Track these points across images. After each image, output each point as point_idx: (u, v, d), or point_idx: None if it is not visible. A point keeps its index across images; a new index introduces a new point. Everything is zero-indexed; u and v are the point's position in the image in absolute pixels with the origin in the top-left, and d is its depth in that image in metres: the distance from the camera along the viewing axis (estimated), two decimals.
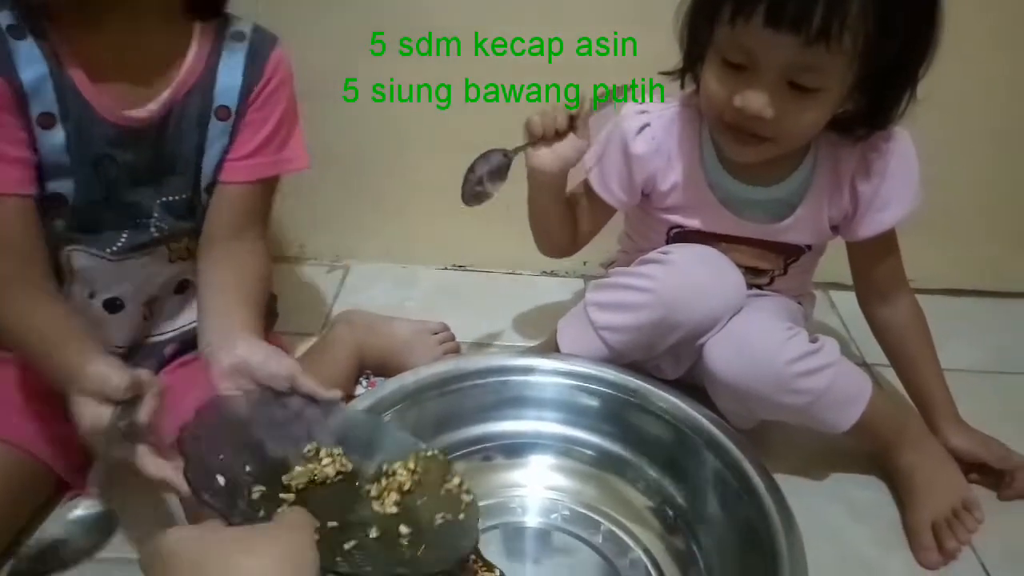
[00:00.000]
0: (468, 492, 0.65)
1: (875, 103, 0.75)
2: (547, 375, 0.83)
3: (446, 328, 1.02)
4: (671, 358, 0.88)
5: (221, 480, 0.56)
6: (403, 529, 0.60)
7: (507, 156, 0.82)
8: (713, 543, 0.73)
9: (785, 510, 0.67)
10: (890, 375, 0.93)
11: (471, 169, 0.81)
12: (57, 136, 0.72)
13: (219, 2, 0.78)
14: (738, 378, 0.79)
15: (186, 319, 0.86)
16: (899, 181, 0.81)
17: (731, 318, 0.81)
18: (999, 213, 1.19)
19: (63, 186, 0.73)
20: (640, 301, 0.82)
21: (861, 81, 0.72)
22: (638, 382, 0.81)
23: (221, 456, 0.58)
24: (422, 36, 1.06)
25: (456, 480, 0.65)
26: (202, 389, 0.79)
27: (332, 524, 0.58)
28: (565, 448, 0.82)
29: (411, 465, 0.65)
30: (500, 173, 0.82)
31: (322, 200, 1.21)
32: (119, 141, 0.74)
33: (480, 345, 1.05)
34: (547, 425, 0.82)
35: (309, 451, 0.65)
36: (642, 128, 0.86)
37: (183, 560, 0.44)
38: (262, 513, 0.56)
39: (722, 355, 0.80)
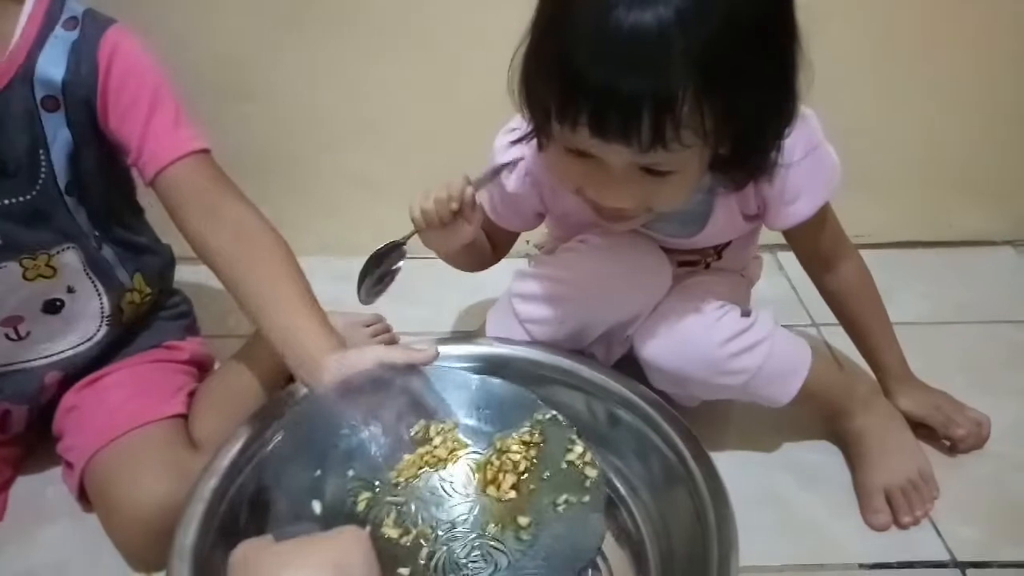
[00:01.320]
0: (593, 465, 0.60)
1: (743, 159, 0.66)
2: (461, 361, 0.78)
3: (380, 319, 0.99)
4: (602, 347, 0.84)
5: (318, 506, 0.56)
6: (521, 520, 0.55)
7: (401, 248, 0.77)
8: (649, 516, 0.70)
9: (713, 476, 0.66)
10: (841, 335, 0.90)
11: (366, 272, 0.77)
12: None
13: None
14: (671, 364, 0.76)
15: (68, 343, 0.79)
16: (804, 173, 0.73)
17: (657, 304, 0.78)
18: (944, 163, 1.17)
19: None
20: (559, 294, 0.78)
21: (724, 143, 0.64)
22: (558, 359, 0.78)
23: (318, 472, 0.56)
24: (343, 24, 1.03)
25: (579, 449, 0.60)
26: (108, 410, 0.76)
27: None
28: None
29: (528, 437, 0.61)
30: (396, 266, 0.78)
31: (255, 195, 1.17)
32: None
33: (417, 335, 1.02)
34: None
35: (417, 432, 0.60)
36: (515, 164, 0.79)
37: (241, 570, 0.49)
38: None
39: (652, 344, 0.77)
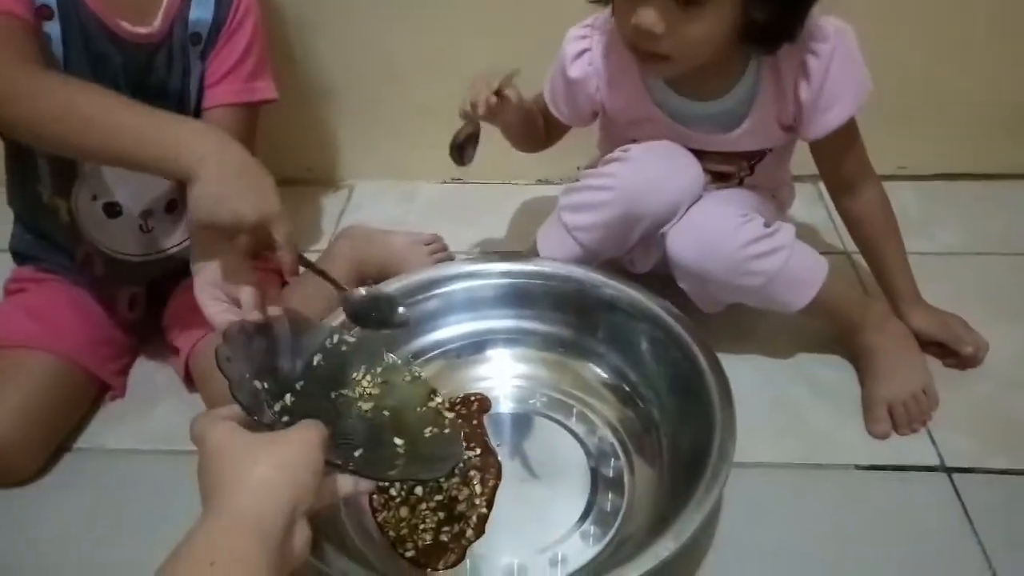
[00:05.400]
0: (450, 410, 0.74)
1: (779, 13, 0.75)
2: (493, 277, 0.91)
3: (438, 239, 1.09)
4: (642, 250, 0.93)
5: (251, 396, 0.62)
6: (397, 440, 0.67)
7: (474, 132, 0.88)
8: (661, 411, 0.81)
9: (719, 371, 0.75)
10: None
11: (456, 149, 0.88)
12: (53, 29, 0.79)
13: None
14: (696, 263, 0.84)
15: (177, 238, 0.94)
16: (840, 81, 0.81)
17: (690, 207, 0.86)
18: (988, 96, 1.18)
19: None
20: (604, 199, 0.87)
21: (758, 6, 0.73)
22: (581, 271, 0.89)
23: (247, 374, 0.64)
24: None
25: (439, 399, 0.73)
26: None
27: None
28: (521, 339, 0.91)
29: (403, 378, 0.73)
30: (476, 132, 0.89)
31: (326, 125, 1.28)
32: (119, 47, 0.82)
33: (471, 253, 1.12)
34: (501, 322, 0.91)
35: (355, 377, 0.71)
36: (580, 53, 0.89)
37: (211, 460, 0.52)
38: (287, 419, 0.62)
39: (681, 241, 0.85)
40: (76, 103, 0.69)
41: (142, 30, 0.84)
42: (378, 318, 0.75)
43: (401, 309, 0.76)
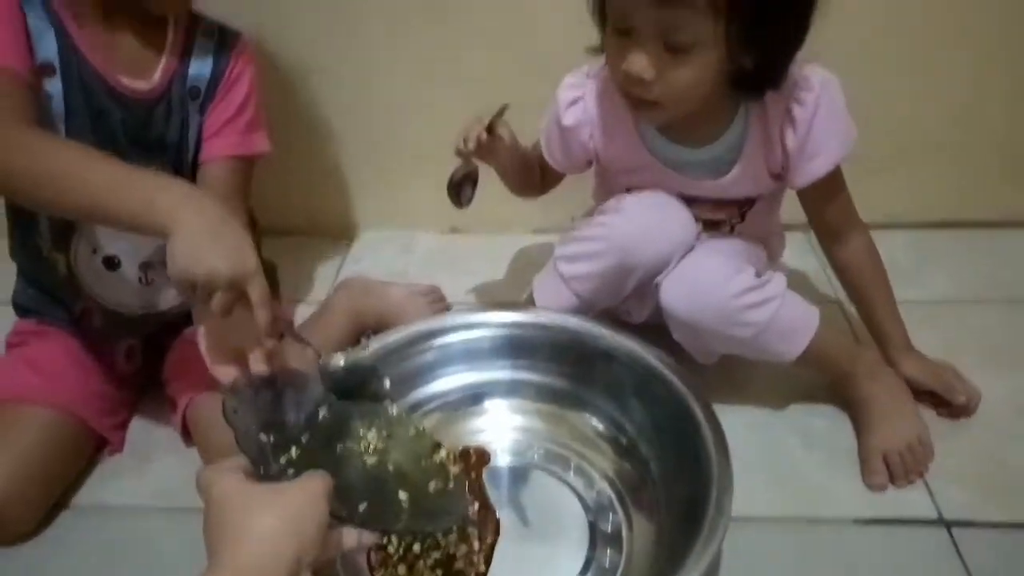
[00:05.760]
0: (455, 464, 0.74)
1: (762, 60, 0.78)
2: (490, 328, 0.92)
3: (436, 290, 1.11)
4: (636, 301, 0.94)
5: (257, 448, 0.63)
6: (401, 494, 0.67)
7: (471, 171, 0.92)
8: (657, 463, 0.81)
9: (715, 423, 0.76)
10: None
11: (452, 191, 0.93)
12: (55, 85, 0.81)
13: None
14: (688, 313, 0.85)
15: (177, 294, 0.94)
16: (825, 130, 0.83)
17: (683, 257, 0.88)
18: (974, 146, 1.21)
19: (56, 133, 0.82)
20: (599, 249, 0.88)
21: (742, 38, 0.75)
22: (577, 321, 0.90)
23: (254, 427, 0.65)
24: (412, 13, 1.14)
25: (443, 453, 0.74)
26: None
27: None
28: (518, 390, 0.92)
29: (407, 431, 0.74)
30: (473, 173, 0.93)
31: (326, 176, 1.30)
32: (119, 102, 0.85)
33: (469, 303, 1.14)
34: (498, 373, 0.92)
35: (360, 431, 0.71)
36: (574, 101, 0.92)
37: (217, 511, 0.53)
38: (292, 472, 0.63)
39: (673, 292, 0.86)
40: (54, 160, 0.70)
41: (142, 86, 0.86)
42: (358, 390, 0.74)
43: (387, 380, 0.76)
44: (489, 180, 1.12)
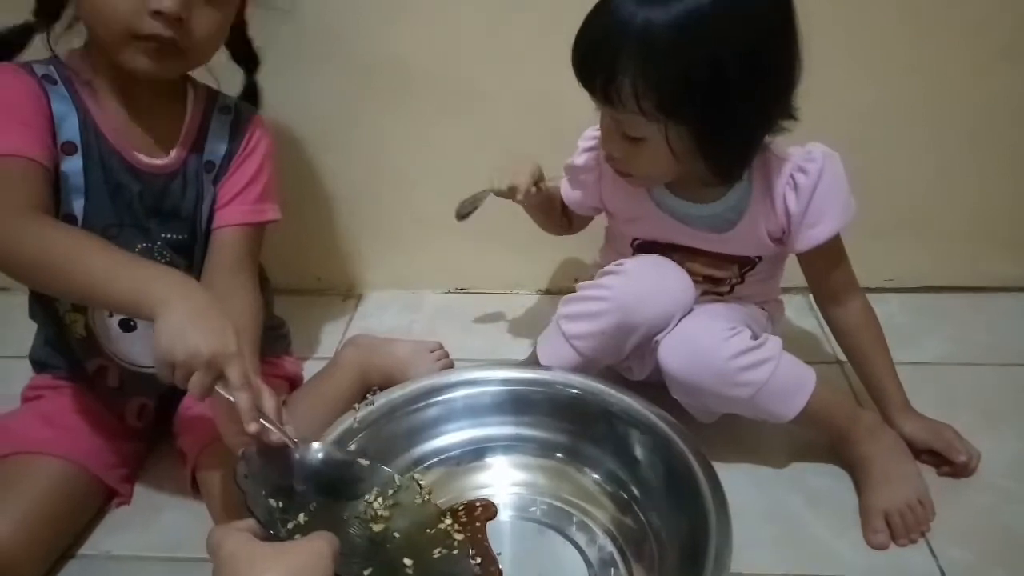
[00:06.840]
0: (459, 531, 0.76)
1: (712, 159, 0.84)
2: (493, 385, 0.94)
3: (441, 347, 1.13)
4: (637, 359, 0.96)
5: (266, 513, 0.65)
6: (407, 560, 0.69)
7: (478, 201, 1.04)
8: (658, 518, 0.82)
9: (714, 480, 0.77)
10: None
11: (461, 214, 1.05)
12: (75, 162, 0.84)
13: (253, 56, 1.00)
14: (686, 373, 0.88)
15: None
16: (827, 199, 0.87)
17: (681, 319, 0.90)
18: (974, 211, 1.24)
19: (76, 206, 0.85)
20: (600, 309, 0.91)
21: (688, 139, 0.81)
22: (578, 379, 0.92)
23: (263, 492, 0.67)
24: (415, 86, 1.19)
25: (448, 521, 0.75)
26: None
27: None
28: (520, 446, 0.93)
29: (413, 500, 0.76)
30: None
31: (336, 236, 1.34)
32: (136, 176, 0.88)
33: (473, 360, 1.16)
34: (501, 428, 0.93)
35: (367, 499, 0.74)
36: (588, 149, 0.99)
37: (227, 567, 0.55)
38: (299, 537, 0.64)
39: (672, 353, 0.89)
40: (58, 247, 0.72)
41: (159, 161, 0.90)
42: (335, 484, 0.74)
43: (364, 462, 0.77)
44: (495, 243, 1.16)
